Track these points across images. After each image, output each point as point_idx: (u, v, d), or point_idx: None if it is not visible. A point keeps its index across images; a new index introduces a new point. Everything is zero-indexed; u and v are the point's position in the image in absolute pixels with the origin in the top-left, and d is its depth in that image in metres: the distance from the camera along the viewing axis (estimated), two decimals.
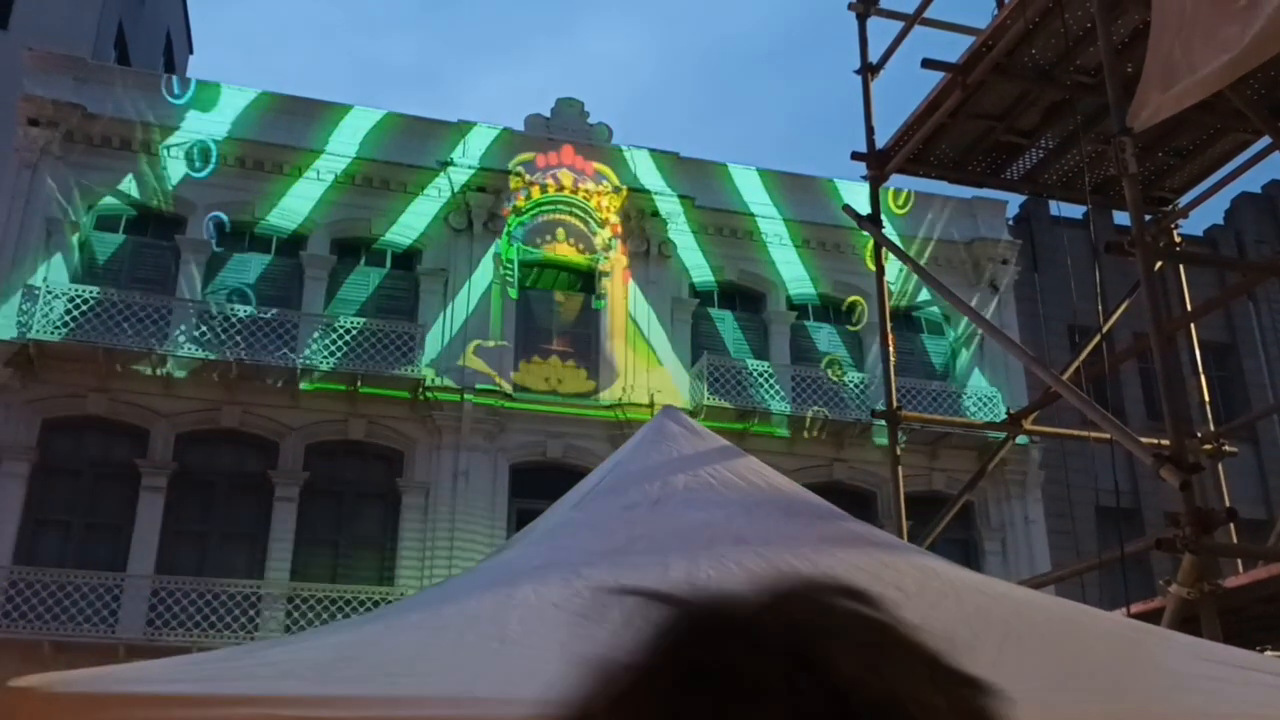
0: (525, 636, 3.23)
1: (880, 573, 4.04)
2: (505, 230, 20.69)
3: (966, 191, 21.14)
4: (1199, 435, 8.64)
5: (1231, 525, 6.68)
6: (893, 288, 21.15)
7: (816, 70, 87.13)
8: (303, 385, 18.46)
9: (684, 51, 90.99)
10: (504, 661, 3.04)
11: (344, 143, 20.28)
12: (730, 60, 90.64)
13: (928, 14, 8.88)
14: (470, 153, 20.84)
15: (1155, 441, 6.11)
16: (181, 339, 18.13)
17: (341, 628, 3.59)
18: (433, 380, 19.11)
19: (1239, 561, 8.23)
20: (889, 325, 8.91)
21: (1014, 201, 24.17)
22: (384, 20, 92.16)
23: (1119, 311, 9.26)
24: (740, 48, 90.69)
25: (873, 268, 9.57)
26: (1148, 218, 7.11)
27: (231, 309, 18.57)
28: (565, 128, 21.94)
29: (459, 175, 20.51)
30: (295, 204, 19.88)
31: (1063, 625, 3.78)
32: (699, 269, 21.55)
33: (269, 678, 2.68)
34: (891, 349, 8.74)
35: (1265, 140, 8.19)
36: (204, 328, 18.34)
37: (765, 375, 20.59)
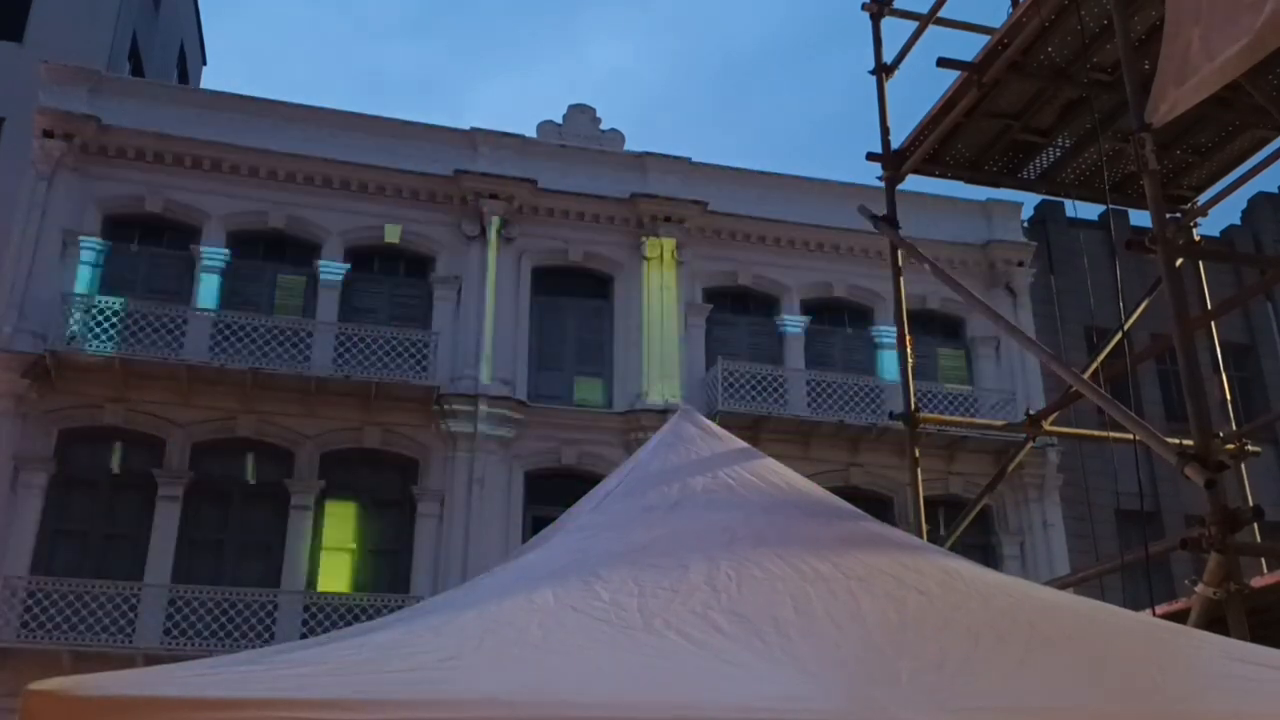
0: (545, 640, 3.20)
1: (903, 575, 4.00)
2: (518, 237, 20.71)
3: (981, 193, 21.08)
4: (1220, 435, 8.55)
5: (1255, 525, 6.60)
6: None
7: (828, 72, 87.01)
8: (317, 394, 18.50)
9: (692, 56, 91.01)
10: (524, 666, 3.01)
11: (356, 151, 20.34)
12: (739, 64, 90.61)
13: (942, 13, 8.85)
14: (483, 160, 20.88)
15: (1179, 441, 6.04)
16: (196, 348, 18.19)
17: (362, 631, 3.56)
18: (447, 388, 19.12)
19: (1263, 562, 8.14)
20: (906, 327, 8.85)
21: (1029, 204, 24.11)
22: (390, 29, 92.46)
23: (1139, 310, 9.19)
24: (749, 51, 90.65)
25: (888, 271, 9.51)
26: (1167, 215, 7.05)
27: (246, 318, 18.63)
28: (578, 134, 21.97)
29: (472, 183, 20.55)
30: (309, 213, 19.95)
31: (1090, 625, 3.73)
32: (712, 274, 21.52)
33: (291, 680, 2.65)
34: (909, 351, 8.68)
35: None
36: (219, 337, 18.40)
37: (780, 380, 20.53)
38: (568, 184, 21.14)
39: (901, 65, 9.13)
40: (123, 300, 18.29)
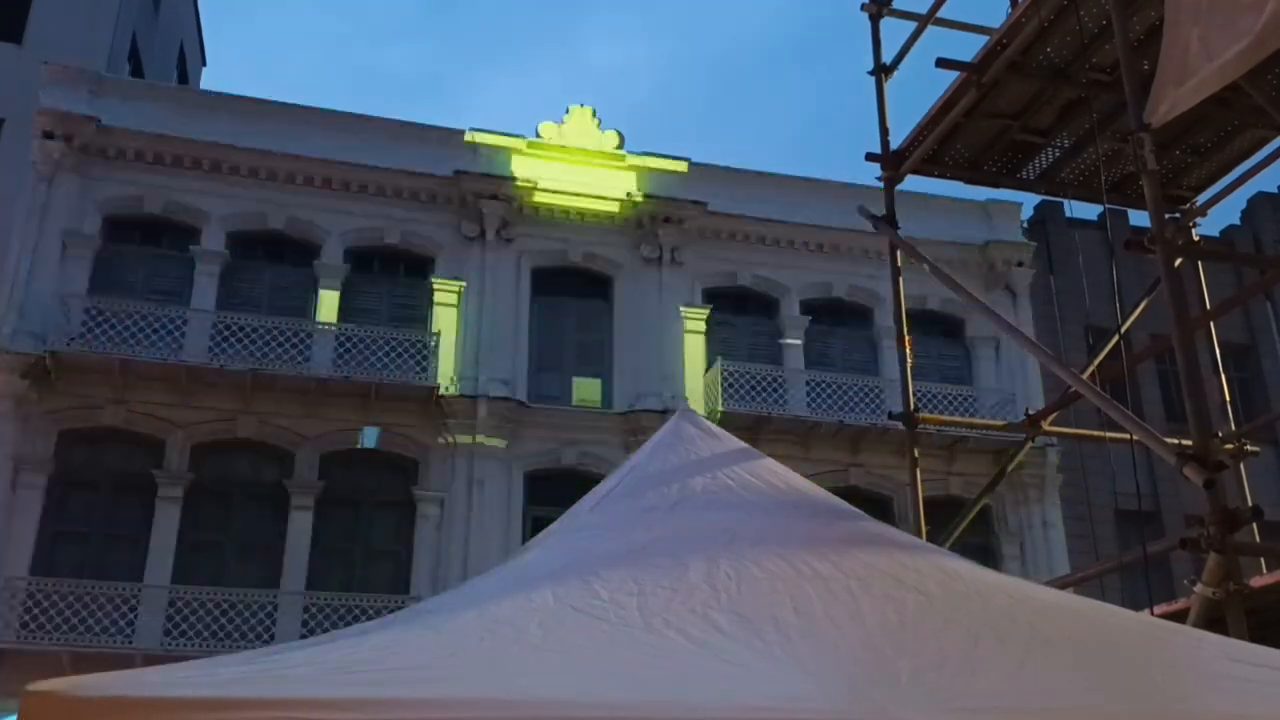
0: (545, 640, 3.20)
1: (902, 575, 4.00)
2: (517, 238, 20.72)
3: (981, 194, 21.08)
4: (1220, 435, 8.55)
5: (1254, 525, 6.61)
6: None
7: (828, 73, 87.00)
8: (317, 395, 18.49)
9: (691, 56, 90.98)
10: (524, 665, 3.01)
11: (356, 152, 20.34)
12: (739, 64, 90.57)
13: (941, 13, 8.85)
14: (483, 161, 20.89)
15: (1178, 441, 6.04)
16: (196, 349, 18.19)
17: (361, 631, 3.56)
18: (447, 388, 19.13)
19: (1262, 562, 8.14)
20: (905, 328, 8.85)
21: (1028, 204, 24.11)
22: (390, 29, 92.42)
23: (1138, 310, 9.19)
24: (749, 51, 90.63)
25: (888, 271, 9.52)
26: (1167, 215, 7.06)
27: (246, 319, 18.63)
28: (577, 135, 21.98)
29: (472, 183, 20.55)
30: (309, 213, 19.94)
31: (1090, 626, 3.73)
32: (712, 275, 21.52)
33: (290, 680, 2.65)
34: (909, 351, 8.68)
35: None
36: (218, 338, 18.41)
37: (780, 380, 20.54)
38: (567, 184, 21.14)
39: (900, 66, 9.14)
40: (122, 301, 18.29)
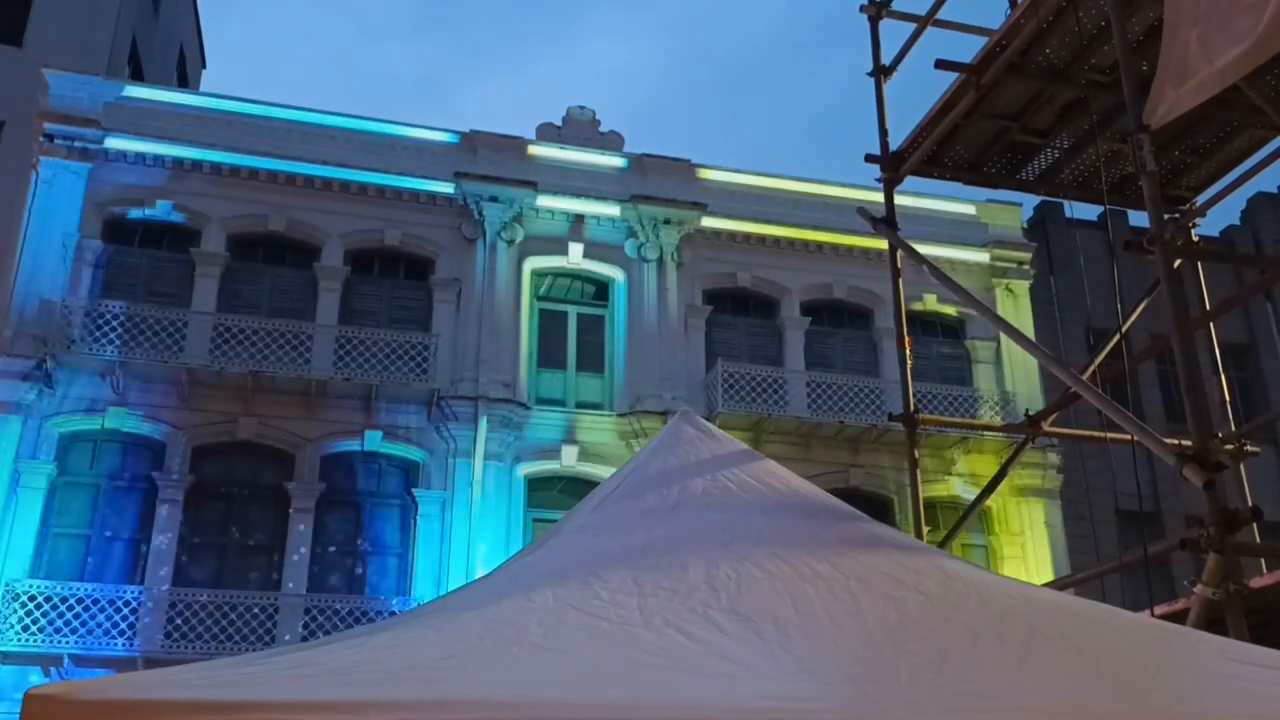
0: (545, 639, 3.21)
1: (902, 575, 4.01)
2: (518, 239, 20.73)
3: (980, 195, 21.10)
4: (1220, 435, 8.55)
5: (1254, 525, 6.61)
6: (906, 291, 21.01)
7: (827, 73, 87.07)
8: (318, 396, 18.50)
9: (691, 58, 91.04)
10: (524, 665, 3.02)
11: (356, 153, 20.35)
12: (739, 65, 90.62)
13: (940, 14, 8.86)
14: (482, 162, 20.89)
15: (1177, 442, 6.05)
16: (197, 351, 18.19)
17: (361, 632, 3.57)
18: (447, 390, 19.13)
19: (1262, 562, 8.15)
20: (905, 328, 8.86)
21: (1028, 204, 24.12)
22: (390, 29, 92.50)
23: (1138, 310, 9.20)
24: (750, 52, 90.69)
25: (888, 272, 9.52)
26: (1166, 216, 7.06)
27: (246, 321, 18.63)
28: (577, 136, 21.98)
29: (471, 185, 20.55)
30: (309, 215, 19.95)
31: (1089, 625, 3.74)
32: (712, 276, 21.52)
33: (291, 682, 2.66)
34: (909, 352, 8.69)
35: None
36: (219, 340, 18.41)
37: (780, 381, 20.54)
38: (567, 186, 21.15)
39: (900, 67, 9.14)
40: (123, 304, 18.29)
